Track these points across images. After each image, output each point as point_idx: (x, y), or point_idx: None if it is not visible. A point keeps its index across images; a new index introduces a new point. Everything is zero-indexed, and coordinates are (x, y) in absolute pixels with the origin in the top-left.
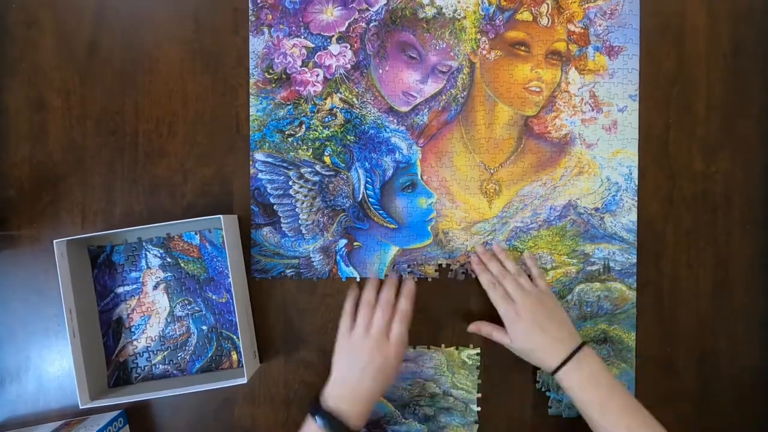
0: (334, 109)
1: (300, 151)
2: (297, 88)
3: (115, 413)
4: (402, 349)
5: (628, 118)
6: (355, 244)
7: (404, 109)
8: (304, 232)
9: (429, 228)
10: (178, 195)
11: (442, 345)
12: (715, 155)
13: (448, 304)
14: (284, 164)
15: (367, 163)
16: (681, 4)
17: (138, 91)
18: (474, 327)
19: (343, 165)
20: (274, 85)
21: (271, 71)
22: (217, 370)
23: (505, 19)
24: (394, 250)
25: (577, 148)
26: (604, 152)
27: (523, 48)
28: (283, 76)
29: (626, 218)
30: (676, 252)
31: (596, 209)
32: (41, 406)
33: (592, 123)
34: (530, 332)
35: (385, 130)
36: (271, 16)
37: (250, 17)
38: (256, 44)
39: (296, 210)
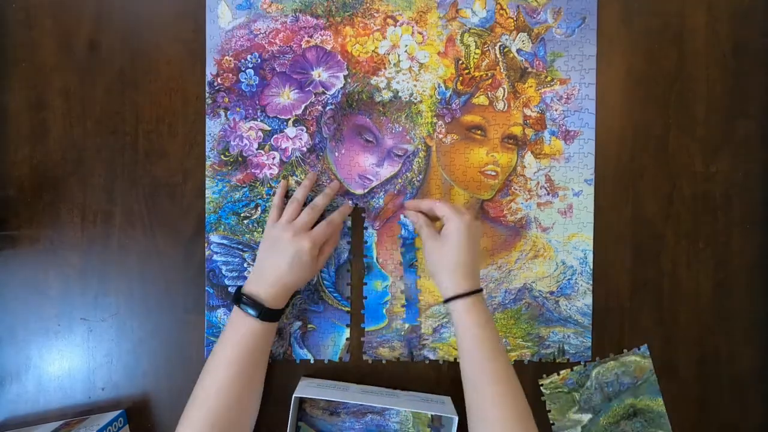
0: (290, 192)
1: (255, 233)
2: (253, 170)
3: (116, 413)
4: (318, 249)
5: (584, 202)
6: (309, 326)
7: (360, 192)
8: None
9: (384, 311)
10: (178, 195)
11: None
12: (715, 155)
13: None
14: (239, 246)
15: None
16: (681, 4)
17: (138, 91)
18: (412, 212)
19: None
20: (230, 168)
21: (227, 154)
22: None
23: (462, 103)
24: (348, 332)
25: (533, 231)
26: (559, 236)
27: (479, 132)
28: (239, 158)
29: (581, 302)
30: (676, 252)
31: (551, 293)
32: (41, 406)
33: (547, 207)
34: (451, 254)
35: None
36: (227, 99)
37: (206, 100)
38: (213, 127)
39: None
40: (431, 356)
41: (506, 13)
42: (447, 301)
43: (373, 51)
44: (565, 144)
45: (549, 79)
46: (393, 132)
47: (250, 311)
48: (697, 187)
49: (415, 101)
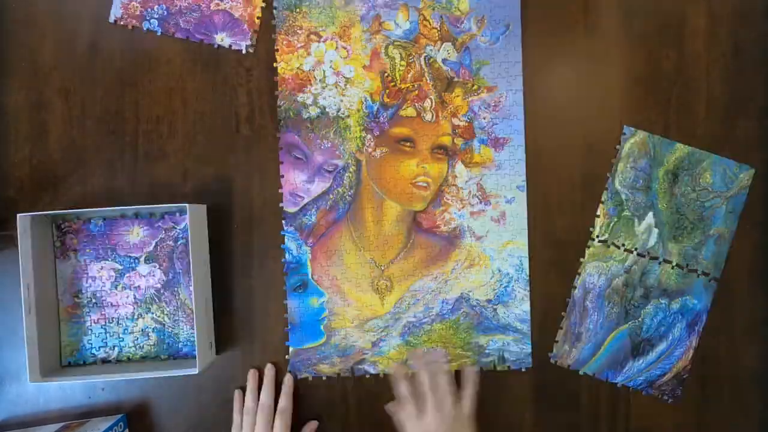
0: (147, 330)
1: None
2: (107, 311)
3: (116, 418)
4: None
5: (517, 208)
6: None
7: (292, 209)
8: None
9: (322, 327)
10: (179, 195)
11: None
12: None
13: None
14: None
15: None
16: (681, 4)
17: (138, 91)
18: (394, 408)
19: None
20: (84, 309)
21: (80, 296)
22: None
23: (389, 116)
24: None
25: (467, 241)
26: (494, 244)
27: (408, 144)
28: (93, 299)
29: (519, 308)
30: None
31: (488, 301)
32: (41, 406)
33: (480, 215)
34: None
35: None
36: (76, 241)
37: (55, 242)
38: (64, 269)
39: None
40: (371, 370)
41: (430, 24)
42: None
43: (298, 68)
44: (495, 152)
45: (475, 87)
46: (322, 148)
47: None
48: None
49: (342, 116)
